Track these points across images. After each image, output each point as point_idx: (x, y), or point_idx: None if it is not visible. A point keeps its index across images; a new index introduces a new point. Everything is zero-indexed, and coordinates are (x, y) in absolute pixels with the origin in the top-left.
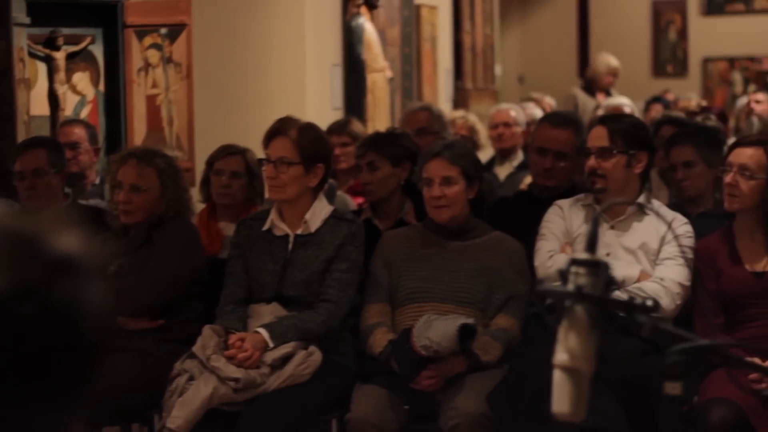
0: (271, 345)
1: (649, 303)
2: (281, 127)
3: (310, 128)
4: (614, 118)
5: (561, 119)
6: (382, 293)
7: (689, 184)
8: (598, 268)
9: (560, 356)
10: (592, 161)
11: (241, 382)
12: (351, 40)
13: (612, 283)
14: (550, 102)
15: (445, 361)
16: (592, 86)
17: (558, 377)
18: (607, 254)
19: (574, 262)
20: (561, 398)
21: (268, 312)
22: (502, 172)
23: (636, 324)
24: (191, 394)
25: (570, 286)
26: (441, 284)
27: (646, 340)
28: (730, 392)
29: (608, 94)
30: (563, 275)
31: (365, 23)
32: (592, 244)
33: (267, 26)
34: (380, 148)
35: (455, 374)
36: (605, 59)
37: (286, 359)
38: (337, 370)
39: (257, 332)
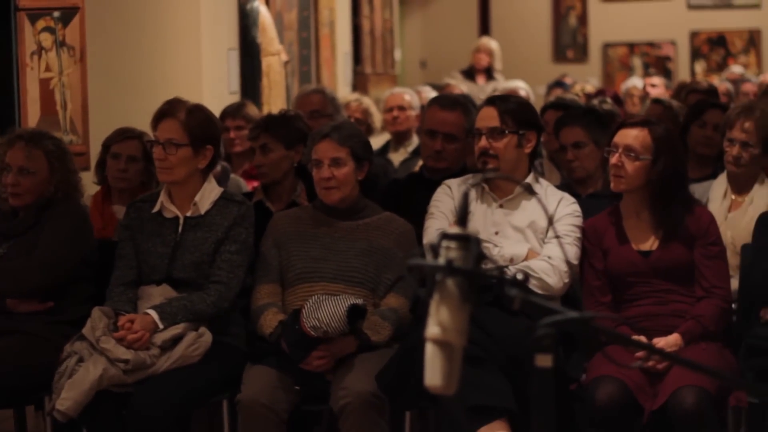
0: (160, 326)
1: (519, 276)
2: (169, 109)
3: (198, 110)
4: (503, 99)
5: (450, 101)
6: (272, 274)
7: (578, 164)
8: (468, 243)
9: (432, 329)
10: (483, 142)
11: (130, 364)
12: (246, 24)
13: (482, 257)
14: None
15: (335, 342)
16: (472, 70)
17: (430, 350)
18: (496, 233)
19: (445, 236)
20: (433, 371)
21: (158, 294)
22: (397, 158)
23: (507, 297)
24: (81, 376)
25: (441, 260)
26: (331, 264)
27: (533, 319)
28: (616, 370)
29: (490, 77)
30: (435, 249)
31: (260, 7)
32: (462, 218)
33: (162, 10)
34: (273, 130)
35: (345, 354)
36: (480, 40)
37: (176, 340)
38: (227, 351)
39: (147, 314)
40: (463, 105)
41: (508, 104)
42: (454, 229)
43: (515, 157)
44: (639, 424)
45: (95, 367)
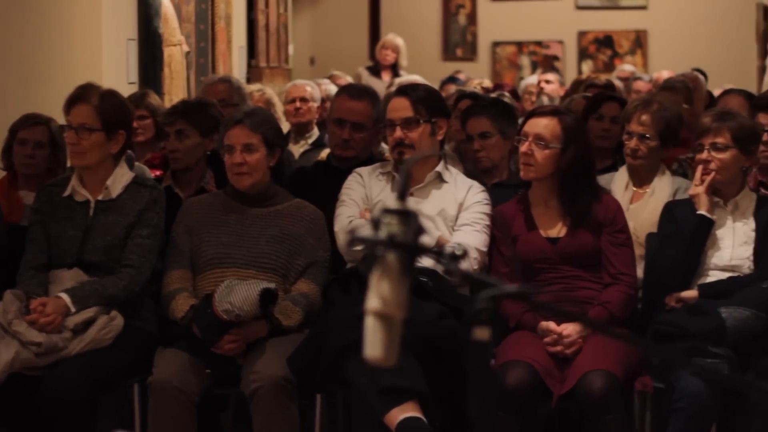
0: (72, 310)
1: (458, 252)
2: (82, 94)
3: (111, 95)
4: (413, 88)
5: (358, 91)
6: (183, 259)
7: (485, 154)
8: (408, 217)
9: (373, 302)
10: (398, 132)
11: (42, 347)
12: (148, 13)
13: (421, 231)
14: (348, 81)
15: (247, 326)
16: (378, 66)
17: (370, 323)
18: None
19: (386, 211)
20: (374, 343)
21: (70, 277)
22: (297, 149)
23: (446, 271)
24: None
25: (382, 234)
26: (242, 250)
27: (444, 303)
28: (524, 354)
29: (396, 74)
30: (376, 224)
31: None
32: (402, 194)
33: (62, 0)
34: (190, 117)
35: (257, 338)
36: (386, 37)
37: (87, 324)
38: (138, 335)
39: (59, 297)
40: (371, 94)
41: (419, 93)
42: (394, 205)
43: (430, 145)
44: (547, 407)
45: (7, 350)
